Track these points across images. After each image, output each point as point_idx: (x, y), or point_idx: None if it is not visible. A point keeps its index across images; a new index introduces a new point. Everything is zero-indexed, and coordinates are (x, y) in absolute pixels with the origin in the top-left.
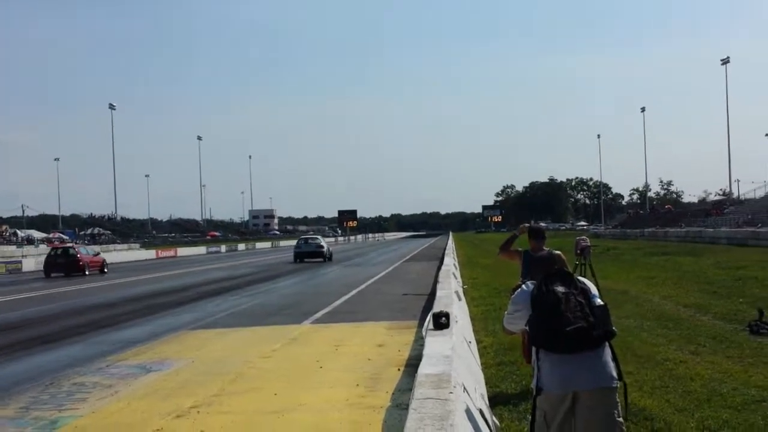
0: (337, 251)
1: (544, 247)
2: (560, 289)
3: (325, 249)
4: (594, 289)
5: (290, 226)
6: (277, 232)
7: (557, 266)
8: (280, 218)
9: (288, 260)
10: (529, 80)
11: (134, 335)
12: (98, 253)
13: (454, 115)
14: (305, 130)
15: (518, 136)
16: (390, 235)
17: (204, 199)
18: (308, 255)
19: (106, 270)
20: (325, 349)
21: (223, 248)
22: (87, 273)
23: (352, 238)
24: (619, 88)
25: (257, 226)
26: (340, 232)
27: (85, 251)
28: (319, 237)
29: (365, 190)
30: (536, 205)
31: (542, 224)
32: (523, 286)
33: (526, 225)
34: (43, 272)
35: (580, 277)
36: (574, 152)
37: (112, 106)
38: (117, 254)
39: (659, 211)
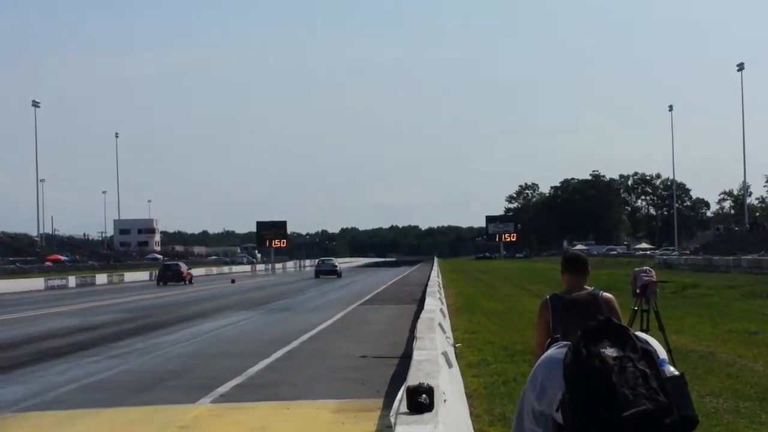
0: (252, 288)
1: (586, 286)
2: (610, 351)
3: (338, 268)
4: (662, 351)
5: (180, 247)
6: (159, 256)
7: (602, 315)
8: (165, 234)
9: (179, 301)
10: (555, 25)
11: None
12: (190, 268)
13: (441, 79)
14: (206, 97)
15: (542, 110)
16: (340, 263)
17: (43, 202)
18: (325, 273)
19: (192, 282)
20: None
21: (73, 281)
22: (185, 282)
23: (279, 266)
24: (701, 37)
25: (127, 247)
26: (259, 256)
27: (185, 267)
28: (333, 258)
29: (300, 192)
30: (572, 217)
31: (581, 247)
32: (551, 349)
33: None
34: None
35: (639, 333)
36: (630, 136)
37: None
38: None
39: (765, 228)
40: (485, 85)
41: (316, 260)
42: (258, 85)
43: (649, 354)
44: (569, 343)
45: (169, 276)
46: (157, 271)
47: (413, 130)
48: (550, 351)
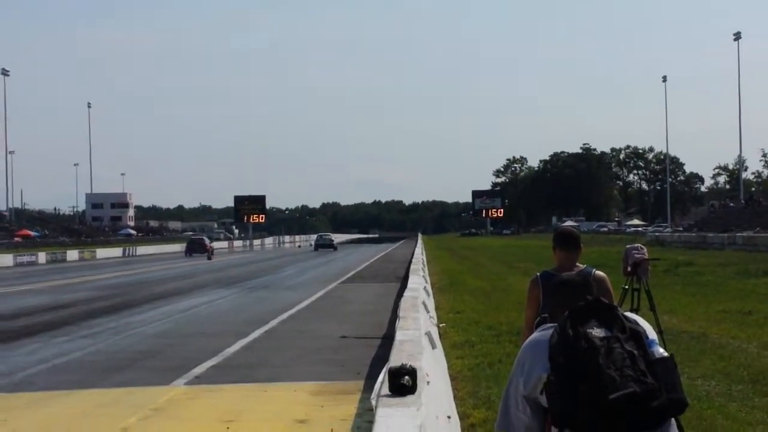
0: (229, 265)
1: (578, 264)
2: (597, 332)
3: (334, 242)
4: (651, 332)
5: (154, 222)
6: (132, 232)
7: (592, 295)
8: (139, 208)
9: (153, 279)
10: None
11: None
12: (212, 241)
13: (423, 51)
14: (182, 70)
15: (531, 82)
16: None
17: (12, 175)
18: (323, 246)
19: (213, 253)
20: (211, 427)
21: (43, 257)
22: (209, 254)
23: (257, 242)
24: (696, 4)
25: (100, 222)
26: (237, 231)
27: (208, 241)
28: (330, 234)
29: (279, 164)
30: (562, 192)
31: (571, 223)
32: (537, 331)
33: None
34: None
35: (629, 313)
36: (622, 108)
37: None
38: None
39: (761, 204)
40: (472, 56)
41: (296, 236)
42: (237, 58)
43: (637, 335)
44: (556, 324)
45: (196, 248)
46: (124, 249)
47: (396, 103)
48: (536, 333)
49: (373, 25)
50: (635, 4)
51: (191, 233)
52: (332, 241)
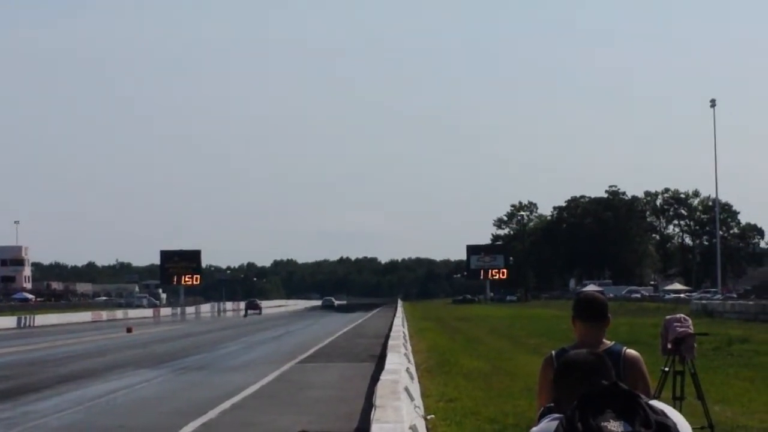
0: (155, 340)
1: (605, 340)
2: (614, 426)
3: (335, 304)
4: (686, 427)
5: (58, 284)
6: (29, 296)
7: (608, 379)
8: (38, 267)
9: (59, 356)
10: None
11: None
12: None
13: (405, 66)
14: (93, 83)
15: (540, 107)
16: (272, 306)
17: None
18: (329, 308)
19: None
20: None
21: None
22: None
23: (190, 310)
24: (751, 15)
25: None
26: (164, 296)
27: (259, 301)
28: (332, 298)
29: (218, 211)
30: (581, 247)
31: (594, 287)
32: (541, 424)
33: None
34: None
35: (655, 402)
36: (659, 141)
37: None
38: None
39: None
40: (466, 72)
41: (241, 303)
42: (159, 71)
43: (666, 429)
44: (564, 413)
45: (252, 306)
46: (19, 318)
47: (370, 132)
48: (537, 427)
49: (349, 37)
50: (673, 14)
51: (105, 298)
52: (334, 303)
